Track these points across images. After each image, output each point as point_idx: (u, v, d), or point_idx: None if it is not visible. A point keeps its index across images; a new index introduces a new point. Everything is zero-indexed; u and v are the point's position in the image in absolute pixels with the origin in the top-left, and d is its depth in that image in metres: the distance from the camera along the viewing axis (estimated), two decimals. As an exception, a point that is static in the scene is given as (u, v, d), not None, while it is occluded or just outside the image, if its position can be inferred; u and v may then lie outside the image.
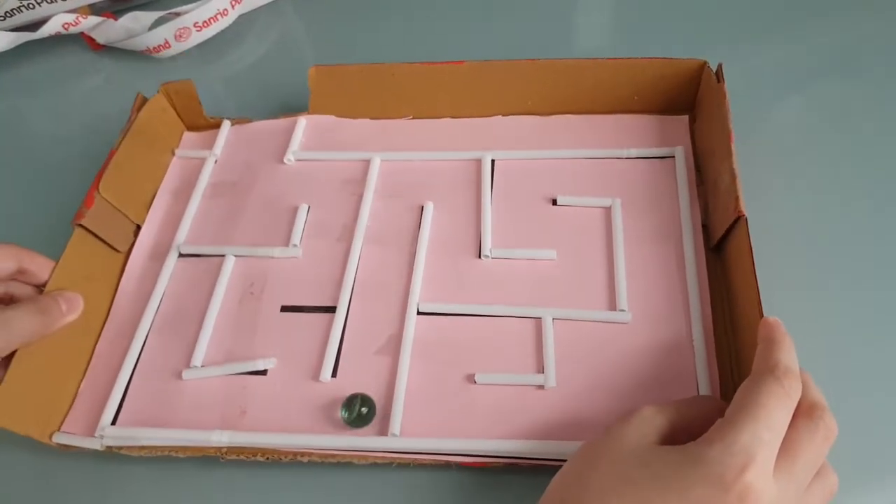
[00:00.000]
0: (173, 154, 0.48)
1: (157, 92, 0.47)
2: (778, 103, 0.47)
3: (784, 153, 0.44)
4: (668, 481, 0.26)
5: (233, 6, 0.56)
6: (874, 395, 0.35)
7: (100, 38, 0.57)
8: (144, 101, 0.47)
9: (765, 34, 0.51)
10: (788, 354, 0.29)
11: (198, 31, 0.55)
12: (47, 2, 0.55)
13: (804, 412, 0.28)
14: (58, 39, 0.57)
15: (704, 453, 0.26)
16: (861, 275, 0.39)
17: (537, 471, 0.34)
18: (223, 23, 0.57)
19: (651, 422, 0.30)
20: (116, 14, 0.57)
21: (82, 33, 0.57)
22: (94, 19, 0.56)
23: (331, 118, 0.48)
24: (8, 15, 0.56)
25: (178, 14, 0.56)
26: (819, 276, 0.39)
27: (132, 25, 0.56)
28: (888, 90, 0.47)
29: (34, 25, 0.56)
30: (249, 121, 0.49)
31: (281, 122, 0.48)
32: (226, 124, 0.49)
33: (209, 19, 0.56)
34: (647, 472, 0.27)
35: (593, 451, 0.29)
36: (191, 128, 0.50)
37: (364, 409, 0.36)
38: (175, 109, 0.48)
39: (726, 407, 0.30)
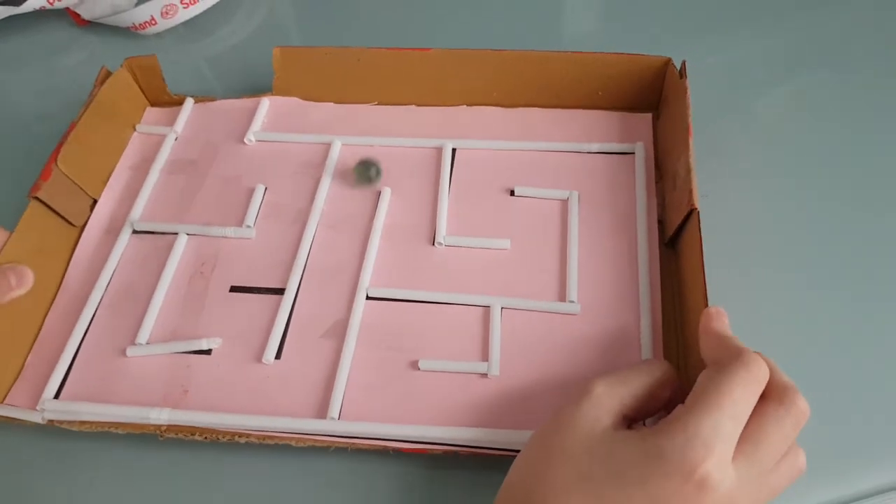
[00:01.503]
0: (134, 129, 0.48)
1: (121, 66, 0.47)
2: (755, 94, 0.46)
3: (754, 143, 0.44)
4: (627, 476, 0.26)
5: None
6: (827, 398, 0.35)
7: (85, 14, 0.56)
8: (108, 74, 0.46)
9: (743, 25, 0.50)
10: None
11: (185, 7, 0.54)
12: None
13: (775, 396, 0.27)
14: (42, 14, 0.56)
15: (664, 446, 0.26)
16: (818, 277, 0.39)
17: (477, 459, 0.34)
18: (210, 0, 0.56)
19: (602, 403, 0.29)
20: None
21: (67, 8, 0.56)
22: (79, -6, 0.55)
23: (294, 100, 0.48)
24: (-9, -11, 0.54)
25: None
26: (772, 275, 0.39)
27: (118, 1, 0.55)
28: (864, 85, 0.47)
29: None
30: (213, 99, 0.49)
31: (244, 102, 0.48)
32: (188, 102, 0.48)
33: (197, -4, 0.54)
34: (606, 468, 0.27)
35: (548, 442, 0.29)
36: (154, 103, 0.49)
37: (374, 171, 0.42)
38: (139, 85, 0.48)
39: (673, 373, 0.31)
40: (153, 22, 0.54)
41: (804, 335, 0.37)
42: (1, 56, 0.54)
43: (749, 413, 0.27)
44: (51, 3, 0.54)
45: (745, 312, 0.33)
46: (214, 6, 0.55)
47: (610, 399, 0.29)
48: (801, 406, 0.27)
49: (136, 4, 0.53)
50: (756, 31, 0.49)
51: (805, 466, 0.28)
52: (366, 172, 0.42)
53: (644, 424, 0.33)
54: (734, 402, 0.26)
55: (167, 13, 0.53)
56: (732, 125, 0.45)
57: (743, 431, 0.27)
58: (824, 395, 0.33)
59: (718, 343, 0.30)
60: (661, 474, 0.26)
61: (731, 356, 0.28)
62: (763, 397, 0.28)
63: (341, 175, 0.44)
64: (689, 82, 0.40)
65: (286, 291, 0.39)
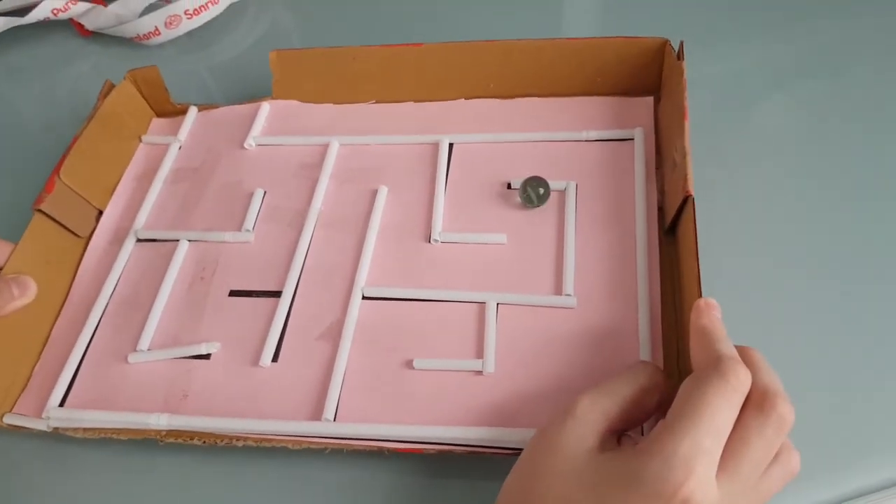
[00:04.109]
0: (140, 140, 0.49)
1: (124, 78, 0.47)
2: (755, 103, 0.45)
3: (755, 152, 0.43)
4: (609, 500, 0.25)
5: (224, -5, 0.56)
6: (823, 393, 0.34)
7: (89, 25, 0.57)
8: (112, 87, 0.47)
9: (741, 35, 0.49)
10: (727, 344, 0.28)
11: (188, 18, 0.55)
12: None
13: (754, 403, 0.26)
14: (46, 25, 0.57)
15: (644, 469, 0.25)
16: (813, 270, 0.38)
17: (473, 458, 0.33)
18: (213, 11, 0.57)
19: (587, 421, 0.28)
20: (106, 0, 0.58)
21: (71, 19, 0.57)
22: (83, 5, 0.56)
23: (294, 103, 0.48)
24: (-4, 0, 0.56)
25: (168, 1, 0.56)
26: (769, 268, 0.38)
27: (122, 12, 0.57)
28: (864, 92, 0.45)
29: (22, 10, 0.56)
30: (216, 106, 0.49)
31: (245, 108, 0.48)
32: (192, 110, 0.49)
33: (199, 7, 0.56)
34: (588, 492, 0.26)
35: (533, 464, 0.28)
36: (160, 114, 0.50)
37: (541, 190, 0.39)
38: (143, 96, 0.49)
39: (659, 377, 0.30)
40: (157, 32, 0.55)
41: (799, 329, 0.36)
42: (5, 67, 0.56)
43: (731, 424, 0.26)
44: (55, 14, 0.55)
45: (740, 305, 0.32)
46: (217, 17, 0.56)
47: (594, 416, 0.28)
48: (782, 411, 0.26)
49: (140, 15, 0.54)
50: (754, 42, 0.48)
51: (798, 468, 0.27)
52: (533, 195, 0.40)
53: (631, 436, 0.32)
54: (712, 416, 0.25)
55: (171, 24, 0.53)
56: (731, 134, 0.43)
57: (725, 444, 0.25)
58: (820, 391, 0.33)
59: (702, 345, 0.29)
60: (642, 498, 0.25)
61: (709, 364, 0.27)
62: (745, 403, 0.26)
63: (338, 176, 0.44)
64: (688, 91, 0.39)
65: (283, 294, 0.39)
